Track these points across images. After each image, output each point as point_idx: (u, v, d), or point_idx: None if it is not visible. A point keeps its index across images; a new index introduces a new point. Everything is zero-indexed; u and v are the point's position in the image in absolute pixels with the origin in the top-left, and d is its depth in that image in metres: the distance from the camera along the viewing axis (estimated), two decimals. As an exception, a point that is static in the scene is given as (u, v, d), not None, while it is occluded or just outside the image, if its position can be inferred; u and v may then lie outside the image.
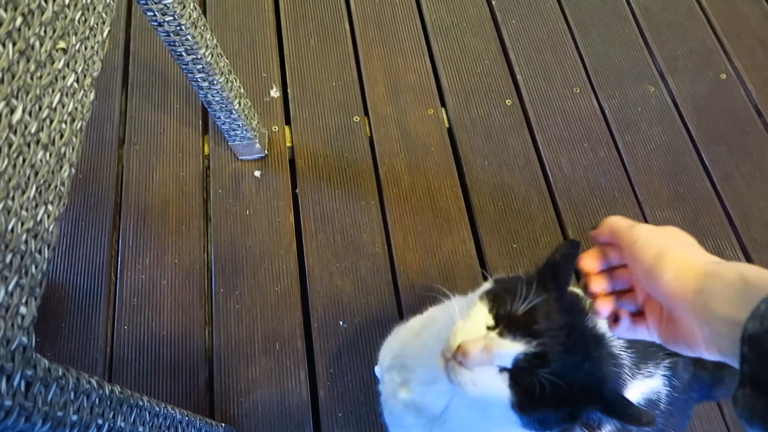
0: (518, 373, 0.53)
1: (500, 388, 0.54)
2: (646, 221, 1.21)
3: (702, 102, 1.37)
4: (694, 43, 1.45)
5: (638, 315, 0.52)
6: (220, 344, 1.07)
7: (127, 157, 1.26)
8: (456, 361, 0.54)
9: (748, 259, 1.18)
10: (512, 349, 0.53)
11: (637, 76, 1.40)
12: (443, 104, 1.36)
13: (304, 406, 1.02)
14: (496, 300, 0.57)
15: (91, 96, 0.63)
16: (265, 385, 1.04)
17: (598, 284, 0.54)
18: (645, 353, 0.69)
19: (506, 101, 1.36)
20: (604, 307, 0.53)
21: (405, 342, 0.75)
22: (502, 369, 0.53)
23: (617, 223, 0.52)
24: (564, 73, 1.41)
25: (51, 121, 0.54)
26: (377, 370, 0.99)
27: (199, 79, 1.01)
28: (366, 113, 1.34)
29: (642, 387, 0.70)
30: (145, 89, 1.34)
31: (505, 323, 0.55)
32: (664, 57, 1.43)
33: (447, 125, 1.33)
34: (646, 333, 0.52)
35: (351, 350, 1.07)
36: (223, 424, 0.94)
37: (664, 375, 0.71)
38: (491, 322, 0.56)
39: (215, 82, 1.02)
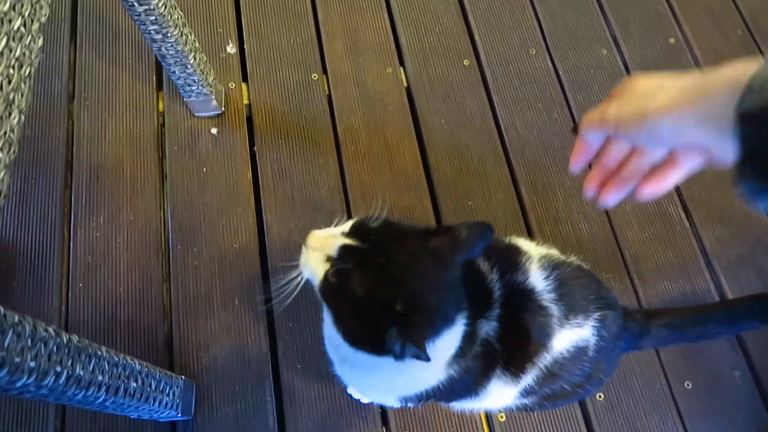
0: (334, 264, 0.63)
1: (318, 270, 0.63)
2: (595, 180, 1.26)
3: (651, 66, 1.41)
4: (646, 8, 1.49)
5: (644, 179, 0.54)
6: (178, 300, 1.08)
7: (78, 113, 1.23)
8: (305, 247, 0.65)
9: (688, 216, 1.25)
10: (340, 241, 0.63)
11: (591, 39, 1.43)
12: (402, 63, 1.36)
13: (264, 359, 1.04)
14: (365, 218, 0.67)
15: (40, 42, 0.61)
16: (224, 339, 1.05)
17: (593, 178, 0.57)
18: (575, 306, 0.74)
19: (464, 62, 1.38)
20: (612, 194, 0.55)
21: None
22: (329, 258, 0.63)
23: (589, 120, 0.54)
24: (521, 34, 1.42)
25: (-3, 66, 0.52)
26: None
27: (152, 32, 0.99)
28: (324, 71, 1.33)
29: (570, 335, 0.75)
30: (95, 42, 1.30)
31: (353, 229, 0.65)
32: (617, 21, 1.46)
33: (405, 84, 1.34)
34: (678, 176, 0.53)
35: (309, 305, 1.09)
36: (182, 377, 0.96)
37: (593, 326, 0.76)
38: (347, 230, 0.66)
39: (169, 34, 1.00)
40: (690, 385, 1.10)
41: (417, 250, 0.63)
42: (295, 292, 0.68)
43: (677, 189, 1.27)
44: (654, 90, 0.48)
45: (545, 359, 0.74)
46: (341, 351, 0.74)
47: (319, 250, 0.64)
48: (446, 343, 0.66)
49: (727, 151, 0.42)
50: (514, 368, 0.74)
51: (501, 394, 0.77)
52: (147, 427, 0.98)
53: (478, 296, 0.69)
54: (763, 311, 0.87)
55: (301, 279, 0.68)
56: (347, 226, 0.67)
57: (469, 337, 0.68)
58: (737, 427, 1.07)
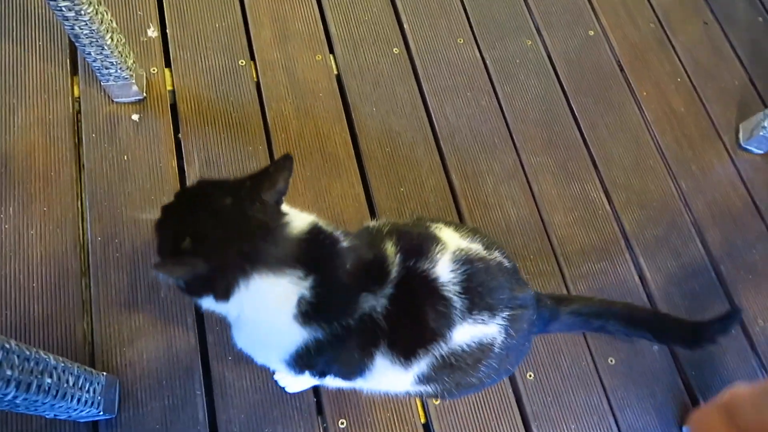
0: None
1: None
2: (522, 166, 1.30)
3: (572, 56, 1.47)
4: (566, 0, 1.55)
5: None
6: (98, 294, 1.02)
7: (-18, 98, 1.14)
8: None
9: (609, 200, 1.30)
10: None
11: (516, 29, 1.47)
12: (331, 51, 1.35)
13: (192, 351, 1.00)
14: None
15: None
16: (150, 333, 1.00)
17: None
18: (481, 303, 0.75)
19: (394, 50, 1.38)
20: None
21: None
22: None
23: None
24: (449, 24, 1.44)
25: None
26: None
27: (63, 8, 0.93)
28: (252, 57, 1.30)
29: (473, 330, 0.75)
30: (1, 23, 1.21)
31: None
32: (540, 12, 1.51)
33: (335, 72, 1.33)
34: None
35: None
36: (104, 373, 0.91)
37: (500, 324, 0.77)
38: None
39: (82, 12, 0.94)
40: (613, 360, 1.15)
41: (217, 194, 0.70)
42: None
43: (598, 175, 1.33)
44: None
45: (441, 348, 0.74)
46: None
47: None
48: (270, 291, 0.68)
49: None
50: (403, 350, 0.74)
51: (391, 375, 0.77)
52: (65, 428, 0.92)
53: (370, 271, 0.72)
54: (657, 329, 0.95)
55: None
56: None
57: (347, 298, 0.70)
58: (656, 397, 1.13)
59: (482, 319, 0.75)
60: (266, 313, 0.71)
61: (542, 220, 1.25)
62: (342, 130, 1.26)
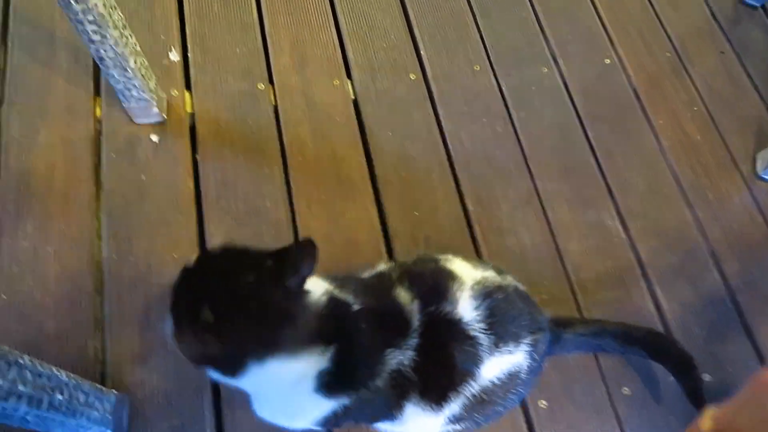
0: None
1: None
2: (537, 192, 1.29)
3: (589, 84, 1.47)
4: (583, 29, 1.56)
5: None
6: (112, 312, 1.02)
7: (7, 117, 1.17)
8: None
9: (625, 228, 1.29)
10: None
11: (532, 57, 1.48)
12: (349, 76, 1.37)
13: (203, 372, 1.00)
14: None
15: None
16: (161, 352, 1.00)
17: None
18: (506, 334, 0.75)
19: (411, 75, 1.39)
20: None
21: None
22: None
23: None
24: (466, 51, 1.46)
25: None
26: None
27: (90, 32, 0.95)
28: (271, 81, 1.32)
29: (501, 363, 0.75)
30: (28, 45, 1.24)
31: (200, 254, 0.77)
32: (556, 41, 1.52)
33: (353, 97, 1.34)
34: None
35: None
36: (114, 392, 0.91)
37: (525, 350, 0.77)
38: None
39: (108, 36, 0.97)
40: (627, 390, 1.12)
41: (241, 269, 0.67)
42: None
43: (614, 202, 1.32)
44: None
45: (472, 388, 0.74)
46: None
47: None
48: (287, 371, 0.67)
49: None
50: (435, 397, 0.73)
51: (422, 421, 0.76)
52: (74, 447, 0.92)
53: (390, 326, 0.71)
54: (651, 348, 0.99)
55: None
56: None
57: (371, 362, 0.69)
58: (671, 427, 1.10)
59: (509, 350, 0.75)
60: (285, 390, 0.70)
61: (557, 247, 1.24)
62: (358, 154, 1.27)
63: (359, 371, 0.70)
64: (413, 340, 0.70)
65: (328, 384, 0.68)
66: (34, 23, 1.26)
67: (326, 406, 0.71)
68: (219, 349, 0.64)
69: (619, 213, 1.31)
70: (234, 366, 0.67)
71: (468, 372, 0.73)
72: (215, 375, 0.70)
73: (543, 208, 1.28)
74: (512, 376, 0.77)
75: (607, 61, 1.52)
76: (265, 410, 0.77)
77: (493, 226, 1.24)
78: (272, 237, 1.14)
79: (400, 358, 0.70)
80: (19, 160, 1.13)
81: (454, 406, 0.75)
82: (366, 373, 0.70)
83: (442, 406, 0.74)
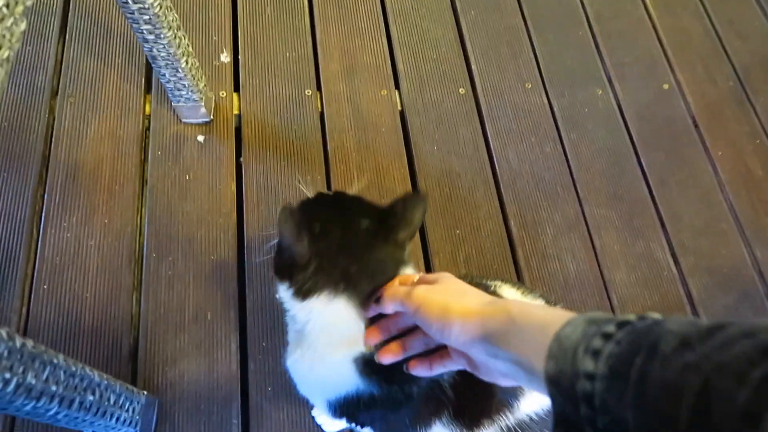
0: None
1: None
2: (584, 218, 1.25)
3: (644, 109, 1.42)
4: (642, 52, 1.50)
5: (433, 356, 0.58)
6: (147, 310, 1.02)
7: (60, 108, 1.19)
8: None
9: (676, 262, 1.23)
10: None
11: (586, 78, 1.44)
12: (397, 87, 1.35)
13: (233, 378, 0.99)
14: None
15: (22, 26, 0.58)
16: (193, 354, 1.00)
17: (389, 356, 0.60)
18: None
19: (460, 90, 1.37)
20: (393, 358, 0.60)
21: None
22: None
23: (395, 293, 0.57)
24: (518, 68, 1.42)
25: (-26, 42, 0.49)
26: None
27: (144, 31, 0.96)
28: (318, 88, 1.31)
29: (543, 399, 0.71)
30: (86, 39, 1.26)
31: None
32: (612, 63, 1.47)
33: (399, 108, 1.32)
34: (454, 365, 0.57)
35: (286, 325, 1.04)
36: (144, 392, 0.90)
37: None
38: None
39: (162, 36, 0.97)
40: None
41: (357, 211, 0.66)
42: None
43: (665, 234, 1.26)
44: (443, 314, 0.51)
45: (508, 419, 0.70)
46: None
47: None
48: (346, 320, 0.62)
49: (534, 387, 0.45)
50: (467, 421, 0.70)
51: None
52: (101, 445, 0.92)
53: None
54: None
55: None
56: None
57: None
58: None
59: None
60: (329, 341, 0.65)
61: (602, 277, 1.19)
62: (401, 166, 1.25)
63: (401, 366, 0.64)
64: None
65: (368, 362, 0.64)
66: (93, 18, 1.28)
67: (353, 383, 0.66)
68: (307, 260, 0.61)
69: (670, 246, 1.25)
70: (308, 284, 0.62)
71: (507, 402, 0.70)
72: (285, 293, 0.65)
73: (590, 234, 1.23)
74: (549, 414, 0.74)
75: (666, 86, 1.46)
76: (295, 359, 0.71)
77: (536, 250, 1.20)
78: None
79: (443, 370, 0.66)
80: (68, 152, 1.15)
81: None
82: (407, 373, 0.64)
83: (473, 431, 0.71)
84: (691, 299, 1.20)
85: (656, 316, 0.39)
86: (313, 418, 0.97)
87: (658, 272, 1.21)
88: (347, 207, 0.68)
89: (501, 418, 0.70)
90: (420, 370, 0.59)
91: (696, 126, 1.42)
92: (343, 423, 0.95)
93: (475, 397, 0.69)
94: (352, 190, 0.74)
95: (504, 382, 0.52)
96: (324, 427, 0.97)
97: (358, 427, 0.80)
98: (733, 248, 1.27)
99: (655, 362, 0.34)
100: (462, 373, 0.66)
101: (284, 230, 0.61)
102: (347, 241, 0.63)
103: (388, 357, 0.59)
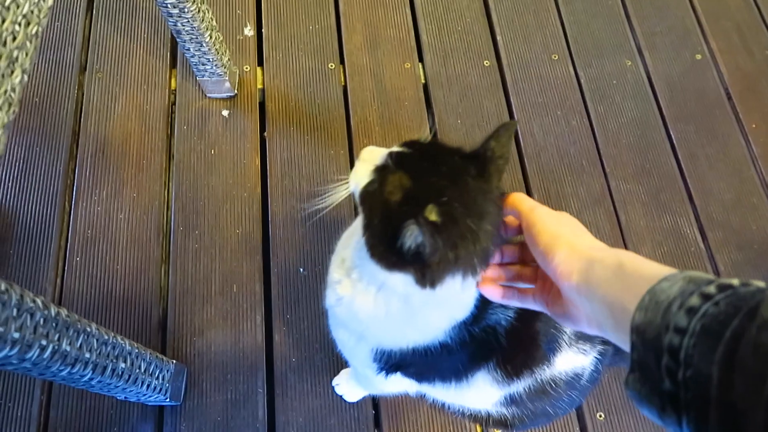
0: (379, 168, 0.59)
1: (363, 178, 0.59)
2: (610, 192, 1.23)
3: (675, 80, 1.38)
4: (674, 21, 1.46)
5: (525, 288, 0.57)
6: (176, 282, 1.05)
7: (89, 84, 1.21)
8: (357, 160, 0.62)
9: (704, 237, 1.21)
10: (390, 149, 0.60)
11: (615, 48, 1.40)
12: (421, 59, 1.34)
13: (259, 349, 1.02)
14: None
15: (50, 1, 0.58)
16: (219, 326, 1.02)
17: (489, 271, 0.58)
18: (585, 334, 0.70)
19: (484, 62, 1.35)
20: (492, 292, 0.58)
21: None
22: (376, 168, 0.59)
23: (521, 201, 0.55)
24: (544, 38, 1.39)
25: (2, 20, 0.50)
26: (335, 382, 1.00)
27: (169, 5, 0.96)
28: (342, 61, 1.30)
29: (574, 360, 0.72)
30: (112, 14, 1.27)
31: (405, 141, 0.62)
32: (643, 32, 1.43)
33: (423, 81, 1.31)
34: (532, 303, 0.56)
35: (309, 298, 1.06)
36: (174, 361, 0.93)
37: (594, 357, 0.74)
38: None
39: (186, 10, 0.97)
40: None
41: (462, 169, 0.57)
42: (336, 202, 0.64)
43: (694, 209, 1.24)
44: (553, 240, 0.51)
45: (544, 373, 0.71)
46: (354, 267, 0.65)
47: (369, 162, 0.60)
48: (460, 294, 0.57)
49: (614, 340, 0.46)
50: (511, 369, 0.70)
51: (484, 392, 0.73)
52: (133, 410, 0.95)
53: None
54: None
55: (346, 191, 0.63)
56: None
57: (482, 308, 0.62)
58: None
59: (584, 350, 0.72)
60: (438, 309, 0.61)
61: (627, 252, 1.18)
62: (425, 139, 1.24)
63: (481, 311, 0.62)
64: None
65: (468, 319, 0.62)
66: (118, -7, 1.29)
67: (440, 335, 0.63)
68: (438, 255, 0.53)
69: (698, 220, 1.23)
70: (436, 276, 0.55)
71: (546, 355, 0.70)
72: (400, 280, 0.57)
73: (615, 209, 1.22)
74: (576, 378, 0.74)
75: (698, 56, 1.41)
76: (370, 308, 0.63)
77: (560, 225, 1.19)
78: (333, 219, 1.13)
79: (502, 315, 0.65)
80: (97, 127, 1.17)
81: (520, 386, 0.72)
82: (475, 314, 0.62)
83: (512, 380, 0.71)
84: (718, 275, 1.18)
85: (761, 283, 0.39)
86: (333, 388, 1.00)
87: (685, 248, 1.20)
88: (455, 170, 0.57)
89: (539, 371, 0.71)
90: (490, 292, 0.57)
91: (729, 98, 1.37)
92: (362, 393, 0.97)
93: (523, 347, 0.69)
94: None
95: (586, 328, 0.51)
96: (345, 398, 0.99)
97: (390, 376, 0.79)
98: (765, 223, 1.24)
99: (753, 325, 0.34)
100: (517, 321, 0.66)
101: (420, 244, 0.52)
102: (469, 219, 0.54)
103: (488, 289, 0.57)
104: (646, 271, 0.45)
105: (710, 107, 1.36)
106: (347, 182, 0.63)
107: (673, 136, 1.31)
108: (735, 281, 0.39)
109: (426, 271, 0.55)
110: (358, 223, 0.66)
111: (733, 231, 1.22)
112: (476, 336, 0.65)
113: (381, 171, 0.58)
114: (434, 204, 0.52)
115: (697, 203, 1.24)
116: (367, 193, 0.59)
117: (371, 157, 0.61)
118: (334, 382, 1.00)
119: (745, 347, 0.34)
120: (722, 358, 0.35)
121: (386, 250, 0.56)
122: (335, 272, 0.68)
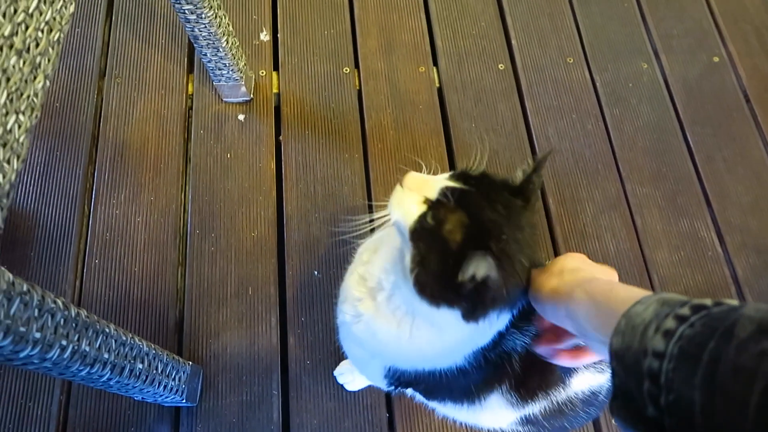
0: (434, 204, 0.56)
1: (412, 210, 0.56)
2: (626, 197, 1.22)
3: (692, 83, 1.37)
4: (691, 23, 1.45)
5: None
6: (192, 285, 1.06)
7: (108, 89, 1.23)
8: (399, 185, 0.59)
9: (721, 241, 1.20)
10: (442, 183, 0.57)
11: (631, 51, 1.39)
12: (435, 63, 1.34)
13: (273, 351, 1.02)
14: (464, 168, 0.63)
15: (71, 8, 0.60)
16: (235, 328, 1.03)
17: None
18: None
19: (499, 65, 1.35)
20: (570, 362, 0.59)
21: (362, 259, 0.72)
22: (426, 200, 0.57)
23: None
24: (559, 42, 1.39)
25: (26, 27, 0.51)
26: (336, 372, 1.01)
27: (186, 11, 0.98)
28: (356, 65, 1.31)
29: (591, 379, 0.72)
30: (130, 21, 1.29)
31: (455, 174, 0.60)
32: (659, 35, 1.42)
33: (437, 85, 1.32)
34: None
35: (324, 301, 1.07)
36: (190, 363, 0.94)
37: (611, 374, 0.73)
38: (448, 176, 0.60)
39: (203, 15, 0.98)
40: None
41: (514, 204, 0.58)
42: (375, 229, 0.63)
43: (711, 212, 1.23)
44: (558, 273, 0.54)
45: (560, 395, 0.71)
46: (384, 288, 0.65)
47: (416, 191, 0.58)
48: (493, 327, 0.59)
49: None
50: (524, 392, 0.70)
51: (498, 414, 0.73)
52: (150, 410, 0.97)
53: (523, 307, 0.63)
54: None
55: (386, 221, 0.60)
56: (445, 174, 0.62)
57: (501, 335, 0.63)
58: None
59: (601, 368, 0.72)
60: (469, 340, 0.62)
61: (643, 257, 1.17)
62: (439, 144, 1.24)
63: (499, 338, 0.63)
64: (532, 328, 0.64)
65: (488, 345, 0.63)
66: (137, 0, 1.31)
67: (458, 360, 0.64)
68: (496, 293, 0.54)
69: (715, 224, 1.22)
70: (483, 311, 0.56)
71: (562, 378, 0.70)
72: (446, 316, 0.57)
73: (631, 213, 1.21)
74: (593, 395, 0.74)
75: (716, 59, 1.40)
76: (391, 330, 0.64)
77: (575, 228, 1.19)
78: (347, 222, 1.14)
79: (517, 341, 0.65)
80: (116, 131, 1.19)
81: (535, 408, 0.72)
82: (498, 342, 0.63)
83: (526, 403, 0.71)
84: (736, 279, 1.16)
85: (734, 302, 0.39)
86: (334, 377, 1.00)
87: (702, 251, 1.18)
88: (508, 206, 0.58)
89: (553, 393, 0.71)
90: (565, 360, 0.58)
91: (747, 101, 1.36)
92: (365, 382, 0.97)
93: (538, 371, 0.69)
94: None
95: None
96: (347, 387, 1.00)
97: (399, 391, 0.79)
98: (784, 228, 1.22)
99: (730, 346, 0.34)
100: (529, 350, 0.66)
101: (489, 278, 0.53)
102: (521, 256, 0.56)
103: (542, 350, 0.60)
104: (614, 298, 0.45)
105: (728, 110, 1.35)
106: (385, 211, 0.60)
107: (690, 139, 1.30)
108: (708, 301, 0.39)
109: (478, 306, 0.56)
110: (384, 242, 0.67)
111: (752, 235, 1.21)
112: (491, 360, 0.66)
113: (436, 207, 0.56)
114: (495, 242, 0.53)
115: (714, 207, 1.23)
116: (423, 230, 0.56)
117: (418, 187, 0.58)
118: (336, 371, 1.00)
119: (724, 370, 0.34)
120: (702, 381, 0.34)
121: (441, 288, 0.56)
122: (354, 289, 0.68)
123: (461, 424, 1.00)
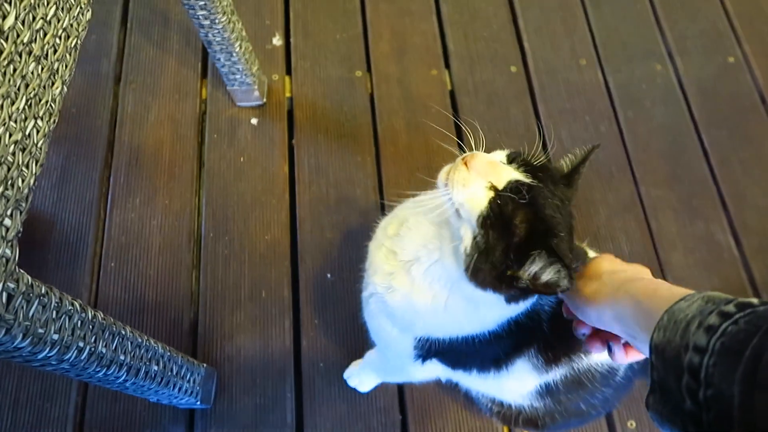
0: (501, 195, 0.56)
1: (480, 199, 0.56)
2: (640, 199, 1.21)
3: (707, 84, 1.35)
4: (706, 23, 1.43)
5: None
6: (206, 288, 1.07)
7: (123, 94, 1.24)
8: (462, 163, 0.58)
9: (738, 243, 1.19)
10: (512, 174, 0.57)
11: (645, 53, 1.38)
12: (447, 66, 1.34)
13: (287, 354, 1.03)
14: (524, 153, 0.63)
15: (88, 15, 0.61)
16: (248, 330, 1.04)
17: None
18: None
19: (511, 68, 1.34)
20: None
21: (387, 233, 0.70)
22: (492, 187, 0.56)
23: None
24: (572, 44, 1.38)
25: (45, 34, 0.52)
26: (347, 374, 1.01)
27: (200, 17, 0.99)
28: (369, 69, 1.31)
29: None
30: (145, 27, 1.31)
31: (517, 160, 0.60)
32: (674, 36, 1.41)
33: (449, 88, 1.32)
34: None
35: (337, 303, 1.07)
36: (204, 365, 0.95)
37: None
38: (515, 163, 0.60)
39: (217, 20, 1.00)
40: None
41: (567, 197, 0.61)
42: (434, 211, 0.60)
43: (727, 214, 1.22)
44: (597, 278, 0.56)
45: (581, 362, 0.72)
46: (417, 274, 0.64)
47: (483, 176, 0.57)
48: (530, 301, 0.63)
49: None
50: (550, 356, 0.71)
51: (521, 380, 0.74)
52: (165, 412, 0.97)
53: None
54: None
55: (448, 200, 0.58)
56: (502, 155, 0.63)
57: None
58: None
59: None
60: (505, 312, 0.64)
61: (658, 259, 1.16)
62: (451, 147, 1.24)
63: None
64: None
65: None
66: (152, 6, 1.33)
67: (492, 327, 0.65)
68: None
69: (732, 227, 1.20)
70: (525, 295, 0.59)
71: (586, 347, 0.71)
72: (490, 300, 0.59)
73: (645, 215, 1.20)
74: (610, 372, 0.74)
75: (731, 59, 1.39)
76: (427, 301, 0.64)
77: (589, 231, 1.18)
78: (360, 225, 1.14)
79: (545, 300, 0.66)
80: (131, 136, 1.20)
81: (557, 373, 0.73)
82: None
83: (550, 368, 0.72)
84: (753, 283, 1.15)
85: None
86: (345, 380, 1.00)
87: (718, 254, 1.17)
88: (564, 201, 0.60)
89: (576, 359, 0.72)
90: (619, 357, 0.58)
91: (764, 102, 1.34)
92: (375, 382, 0.97)
93: (563, 332, 0.68)
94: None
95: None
96: (358, 389, 1.00)
97: (427, 363, 0.79)
98: (802, 230, 1.21)
99: None
100: (558, 307, 0.66)
101: (558, 284, 0.54)
102: (571, 251, 0.58)
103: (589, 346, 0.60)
104: (658, 298, 0.45)
105: (744, 111, 1.33)
106: (435, 192, 0.60)
107: (705, 141, 1.29)
108: (755, 300, 0.39)
109: (527, 295, 0.59)
110: (410, 216, 0.67)
111: (769, 237, 1.19)
112: (522, 323, 0.67)
113: (506, 200, 0.55)
114: (557, 240, 0.55)
115: (730, 209, 1.22)
116: (492, 220, 0.56)
117: (485, 171, 0.57)
118: (346, 374, 1.00)
119: (766, 366, 0.34)
120: (743, 377, 0.34)
121: (496, 277, 0.56)
122: (384, 264, 0.68)
123: (476, 414, 0.99)
